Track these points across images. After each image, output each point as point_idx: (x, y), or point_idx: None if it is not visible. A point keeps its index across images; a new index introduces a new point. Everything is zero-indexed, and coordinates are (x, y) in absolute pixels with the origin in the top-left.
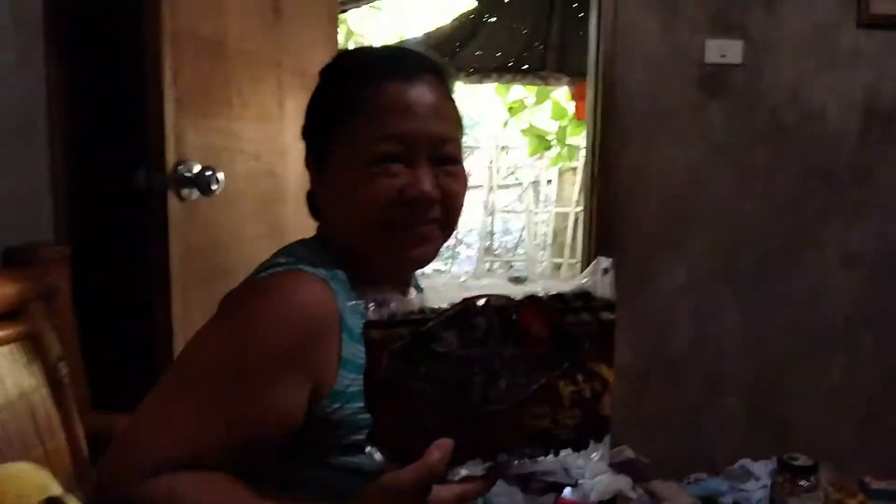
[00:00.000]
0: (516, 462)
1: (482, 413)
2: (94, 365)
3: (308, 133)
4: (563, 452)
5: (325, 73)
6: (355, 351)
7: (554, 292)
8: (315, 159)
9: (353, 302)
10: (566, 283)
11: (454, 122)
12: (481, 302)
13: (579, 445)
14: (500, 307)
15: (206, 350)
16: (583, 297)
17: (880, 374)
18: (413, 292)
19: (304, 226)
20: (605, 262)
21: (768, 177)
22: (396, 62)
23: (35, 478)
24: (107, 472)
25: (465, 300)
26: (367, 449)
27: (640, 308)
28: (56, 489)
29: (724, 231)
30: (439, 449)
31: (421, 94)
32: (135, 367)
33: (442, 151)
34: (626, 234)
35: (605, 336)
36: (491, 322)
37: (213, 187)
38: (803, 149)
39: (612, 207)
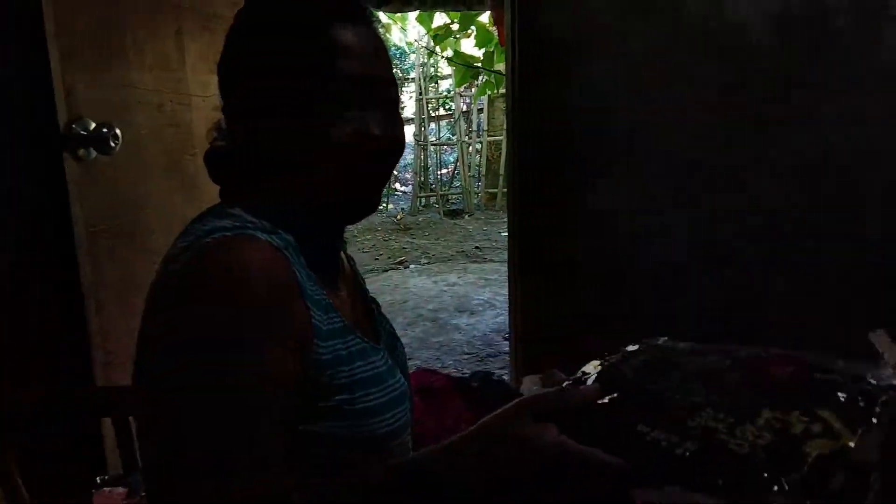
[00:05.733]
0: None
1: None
2: None
3: (235, 85)
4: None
5: (252, 15)
6: (321, 318)
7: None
8: (247, 113)
9: None
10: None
11: (391, 64)
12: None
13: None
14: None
15: (184, 354)
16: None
17: (821, 280)
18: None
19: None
20: None
21: (702, 93)
22: (339, 3)
23: None
24: None
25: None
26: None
27: (567, 231)
28: None
29: (657, 153)
30: (587, 388)
31: (367, 33)
32: (47, 342)
33: (390, 94)
34: (552, 160)
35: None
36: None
37: (112, 144)
38: (730, 61)
39: (538, 133)
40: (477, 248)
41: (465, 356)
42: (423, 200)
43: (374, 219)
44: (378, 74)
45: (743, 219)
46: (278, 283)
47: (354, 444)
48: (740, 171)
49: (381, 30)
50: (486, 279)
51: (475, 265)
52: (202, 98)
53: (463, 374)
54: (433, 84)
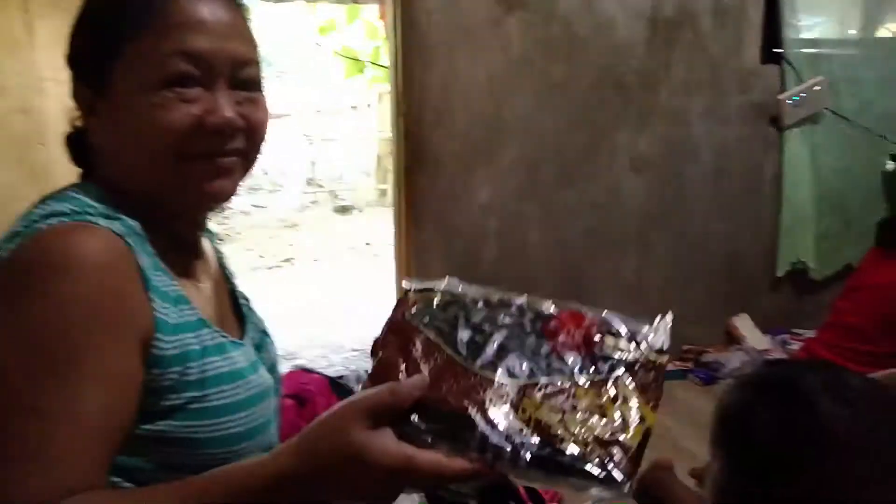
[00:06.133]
0: (509, 453)
1: (484, 378)
2: None
3: (77, 59)
4: (575, 480)
5: None
6: (169, 311)
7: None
8: (89, 89)
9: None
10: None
11: (253, 44)
12: (522, 298)
13: (590, 474)
14: (538, 306)
15: (13, 353)
16: (632, 333)
17: (667, 269)
18: (206, 244)
19: (74, 167)
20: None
21: (565, 89)
22: None
23: None
24: None
25: (505, 299)
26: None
27: (452, 224)
28: None
29: (526, 145)
30: (414, 381)
31: (217, 8)
32: None
33: (243, 75)
34: (435, 154)
35: (647, 373)
36: (524, 311)
37: None
38: (596, 59)
39: (420, 127)
40: (367, 244)
41: (354, 353)
42: (312, 197)
43: (260, 216)
44: (225, 52)
45: (607, 209)
46: (114, 275)
47: (210, 443)
48: (603, 162)
49: (238, 6)
50: (375, 275)
51: (364, 261)
52: (55, 82)
53: (344, 373)
54: (321, 77)
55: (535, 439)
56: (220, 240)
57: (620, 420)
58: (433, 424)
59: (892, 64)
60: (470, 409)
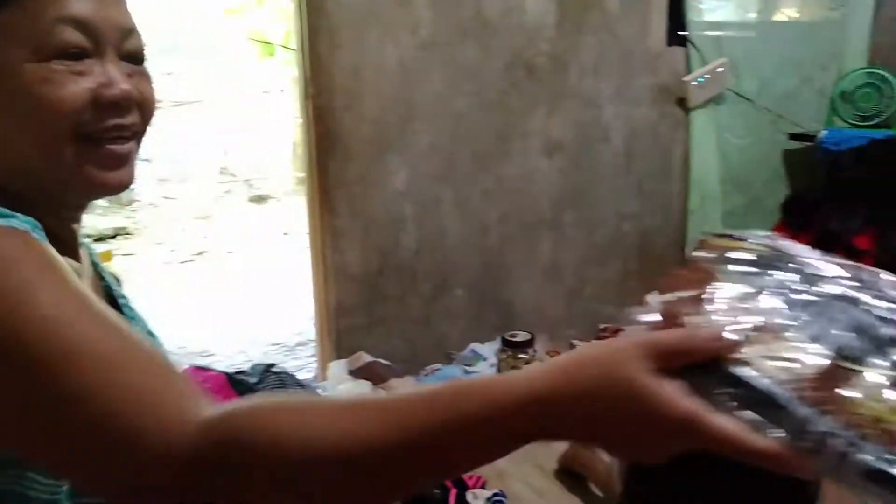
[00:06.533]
0: (838, 449)
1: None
2: None
3: None
4: None
5: None
6: None
7: None
8: None
9: None
10: None
11: (131, 13)
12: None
13: None
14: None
15: None
16: None
17: (582, 249)
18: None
19: None
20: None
21: (476, 72)
22: None
23: None
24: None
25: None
26: None
27: (367, 211)
28: None
29: (439, 130)
30: (715, 332)
31: None
32: None
33: (130, 45)
34: (346, 138)
35: None
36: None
37: None
38: (506, 42)
39: (330, 111)
40: (285, 234)
41: (273, 347)
42: (227, 186)
43: (170, 208)
44: (112, 19)
45: (522, 193)
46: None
47: None
48: (517, 146)
49: None
50: (292, 266)
51: (281, 252)
52: None
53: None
54: (232, 62)
55: (880, 445)
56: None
57: None
58: (734, 389)
59: (790, 46)
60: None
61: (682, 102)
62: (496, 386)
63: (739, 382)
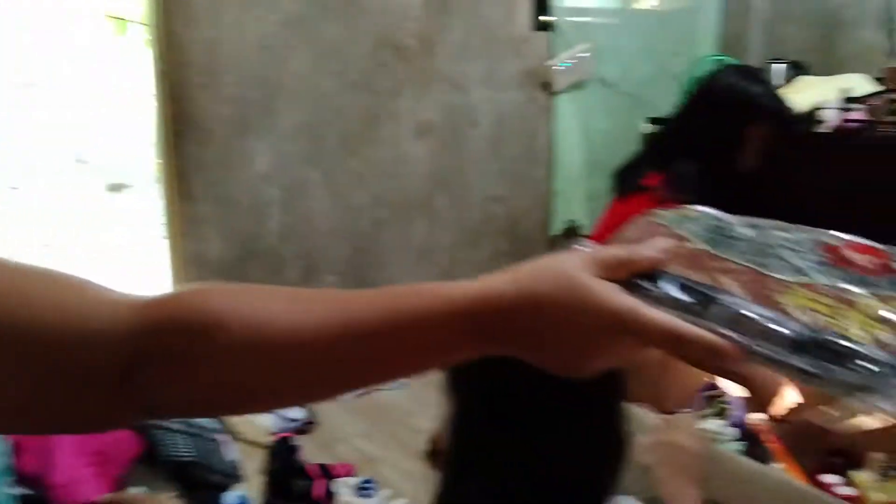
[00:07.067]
0: (770, 331)
1: (747, 267)
2: None
3: None
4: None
5: None
6: None
7: None
8: None
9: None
10: None
11: None
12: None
13: (873, 360)
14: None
15: None
16: None
17: (453, 232)
18: None
19: None
20: None
21: (342, 51)
22: None
23: None
24: None
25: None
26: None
27: (229, 196)
28: None
29: (305, 110)
30: (657, 244)
31: None
32: None
33: None
34: (204, 119)
35: None
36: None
37: None
38: (373, 21)
39: (185, 89)
40: (144, 223)
41: None
42: (84, 176)
43: (14, 201)
44: None
45: (393, 176)
46: None
47: None
48: (386, 128)
49: None
50: (150, 256)
51: (139, 242)
52: None
53: None
54: (84, 42)
55: (807, 321)
56: None
57: None
58: (669, 287)
59: (649, 33)
60: (720, 285)
61: (546, 87)
62: (447, 285)
63: (678, 283)
